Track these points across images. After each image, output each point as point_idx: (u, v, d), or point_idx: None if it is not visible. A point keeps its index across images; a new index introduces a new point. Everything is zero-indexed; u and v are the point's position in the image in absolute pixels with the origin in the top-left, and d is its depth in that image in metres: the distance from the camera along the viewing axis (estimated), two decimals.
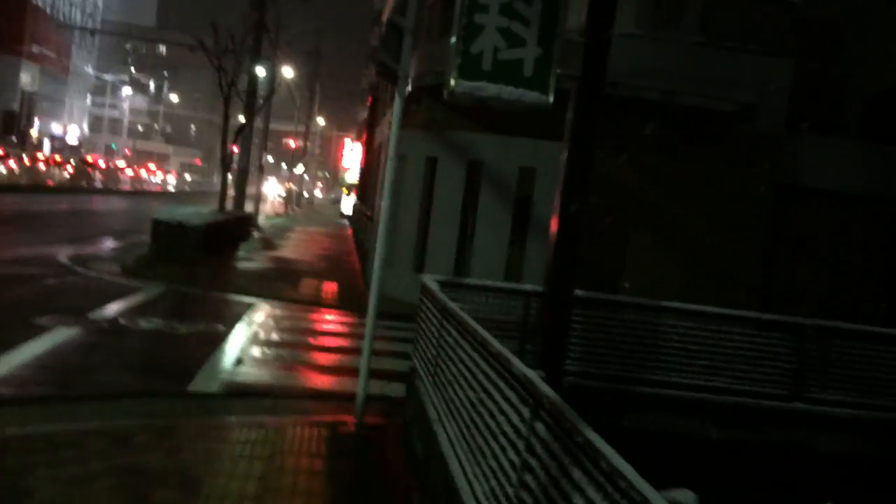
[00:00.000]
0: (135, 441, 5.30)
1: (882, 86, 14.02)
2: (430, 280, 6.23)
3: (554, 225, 6.09)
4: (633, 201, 13.05)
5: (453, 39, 5.68)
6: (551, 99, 5.81)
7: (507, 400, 3.35)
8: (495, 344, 3.68)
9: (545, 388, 2.87)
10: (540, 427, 2.85)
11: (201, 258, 16.19)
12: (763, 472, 6.43)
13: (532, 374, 3.07)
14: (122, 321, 9.48)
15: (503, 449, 3.27)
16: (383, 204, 6.34)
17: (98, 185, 44.90)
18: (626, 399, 6.50)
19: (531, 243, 12.65)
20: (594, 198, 6.65)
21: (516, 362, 3.30)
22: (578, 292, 6.31)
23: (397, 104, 6.24)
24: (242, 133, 24.21)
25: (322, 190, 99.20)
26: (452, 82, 5.60)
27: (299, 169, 62.32)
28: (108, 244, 18.83)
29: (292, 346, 9.51)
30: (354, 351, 9.15)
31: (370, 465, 5.42)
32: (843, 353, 6.85)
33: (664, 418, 6.38)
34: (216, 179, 26.15)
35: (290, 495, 4.69)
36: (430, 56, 14.24)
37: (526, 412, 3.06)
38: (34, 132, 60.45)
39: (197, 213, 21.00)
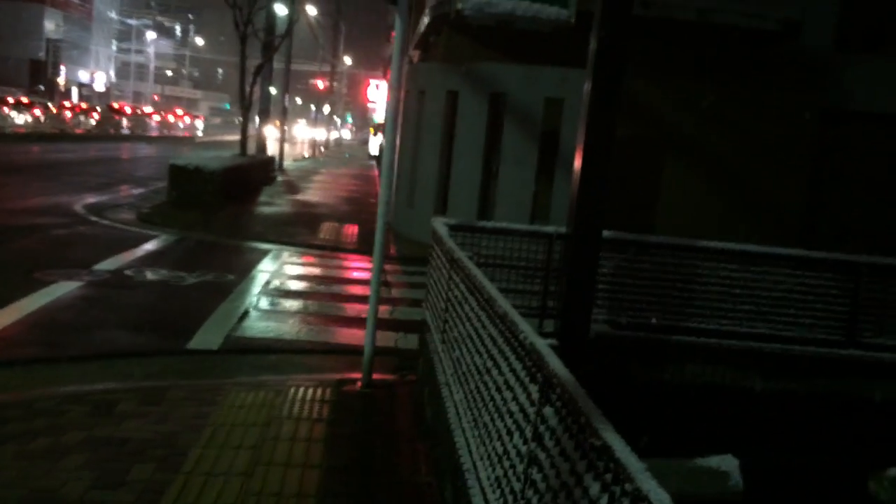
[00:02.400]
0: (117, 408, 4.84)
1: None
2: (440, 223, 5.62)
3: (578, 160, 5.41)
4: (667, 131, 12.21)
5: None
6: (572, 14, 5.07)
7: (514, 372, 2.77)
8: (502, 302, 3.09)
9: (556, 366, 2.27)
10: (549, 413, 2.27)
11: (220, 204, 15.77)
12: (813, 425, 5.83)
13: (542, 345, 2.47)
14: (127, 273, 9.06)
15: (510, 432, 2.70)
16: (385, 139, 5.70)
17: (125, 131, 44.66)
18: (660, 349, 5.90)
19: (559, 181, 11.92)
20: (623, 129, 5.93)
21: (525, 328, 2.71)
22: (606, 233, 5.67)
23: (399, 27, 5.54)
24: (260, 73, 23.48)
25: (352, 131, 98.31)
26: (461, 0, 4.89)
27: (326, 110, 61.56)
28: (128, 191, 18.48)
29: (306, 295, 9.02)
30: (367, 299, 8.63)
31: (376, 431, 4.92)
32: None
33: (703, 369, 5.78)
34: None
35: (284, 469, 4.21)
36: None
37: (534, 391, 2.48)
38: (61, 80, 60.20)
39: (217, 157, 20.55)
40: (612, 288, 5.92)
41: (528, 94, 12.43)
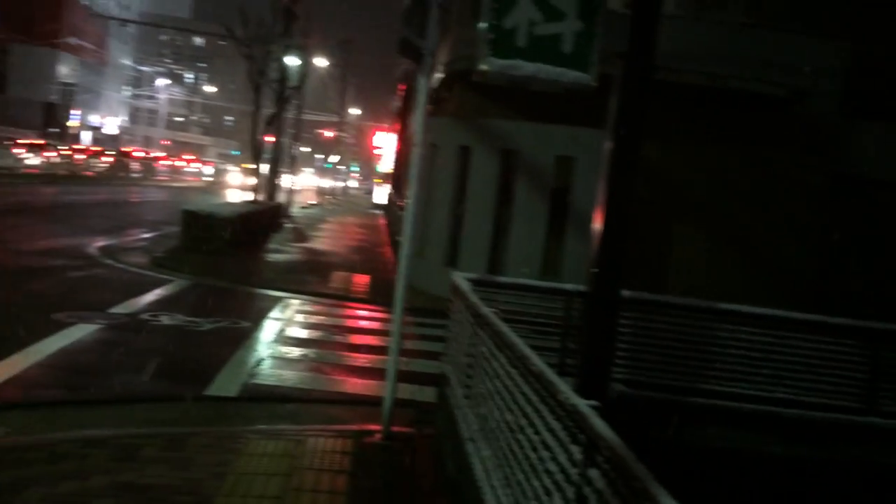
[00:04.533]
0: (141, 453, 4.87)
1: None
2: (461, 279, 5.70)
3: (598, 219, 5.51)
4: (680, 193, 12.37)
5: (483, 16, 5.12)
6: (594, 77, 5.23)
7: (552, 432, 2.82)
8: (537, 361, 3.15)
9: (601, 427, 2.34)
10: (595, 475, 2.32)
11: (231, 249, 15.91)
12: (832, 491, 5.82)
13: (584, 406, 2.54)
14: (143, 317, 9.13)
15: (548, 492, 2.74)
16: (409, 195, 5.83)
17: (135, 175, 45.12)
18: (679, 410, 5.93)
19: (570, 237, 12.05)
20: (638, 190, 6.07)
21: (564, 388, 2.77)
22: (625, 293, 5.74)
23: (422, 84, 5.71)
24: (274, 122, 23.90)
25: (358, 180, 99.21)
26: (484, 61, 5.05)
27: (333, 159, 62.21)
28: (139, 235, 18.63)
29: (320, 344, 9.06)
30: (385, 350, 8.66)
31: (398, 485, 4.93)
32: None
33: (722, 432, 5.80)
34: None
35: None
36: (461, 40, 13.65)
37: (576, 452, 2.53)
38: (73, 123, 61.05)
39: (228, 204, 20.75)
40: (631, 348, 5.98)
41: (540, 151, 12.65)
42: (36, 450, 4.85)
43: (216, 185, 52.45)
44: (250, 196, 23.55)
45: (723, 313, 5.97)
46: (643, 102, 5.32)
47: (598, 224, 5.51)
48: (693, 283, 11.11)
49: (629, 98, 5.22)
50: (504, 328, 3.78)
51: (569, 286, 6.20)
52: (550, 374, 2.97)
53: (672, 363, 5.97)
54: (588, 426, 2.43)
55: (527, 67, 5.02)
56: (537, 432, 3.01)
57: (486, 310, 4.41)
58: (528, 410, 3.18)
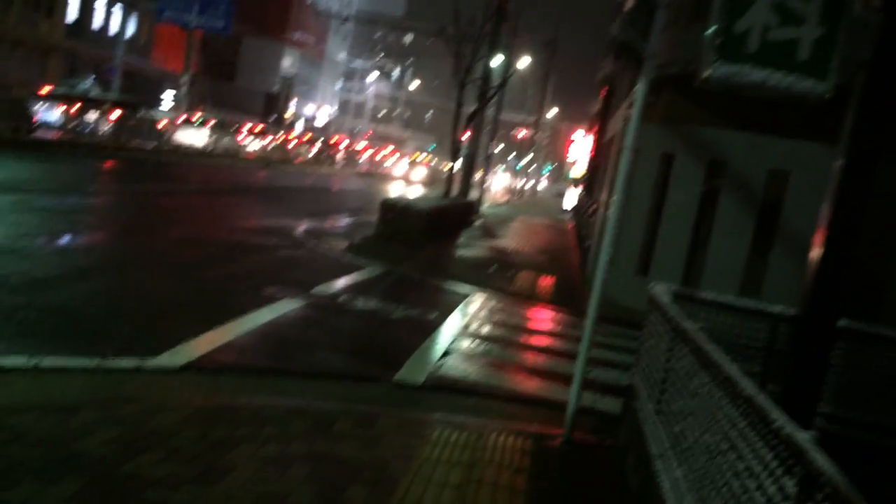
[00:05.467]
0: (335, 427, 5.14)
1: None
2: (661, 291, 5.50)
3: (818, 241, 5.11)
4: None
5: (714, 18, 4.89)
6: (830, 88, 4.85)
7: (761, 459, 2.65)
8: (747, 384, 2.97)
9: (824, 463, 2.15)
10: None
11: (423, 241, 16.42)
12: None
13: (802, 438, 2.35)
14: (341, 299, 9.66)
15: None
16: (615, 201, 5.71)
17: (339, 164, 47.87)
18: (888, 454, 5.37)
19: (777, 256, 11.30)
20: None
21: (778, 415, 2.59)
22: (841, 322, 5.29)
23: (641, 89, 5.57)
24: (474, 120, 24.37)
25: (548, 180, 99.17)
26: (709, 66, 4.83)
27: (526, 158, 62.53)
28: (339, 221, 19.75)
29: (503, 342, 9.14)
30: (566, 354, 8.61)
31: (577, 492, 4.86)
32: None
33: None
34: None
35: None
36: (674, 43, 13.17)
37: (789, 486, 2.35)
38: (289, 112, 65.82)
39: (424, 197, 21.45)
40: (842, 381, 5.49)
41: (750, 163, 11.94)
42: (245, 411, 5.26)
43: (409, 178, 54.40)
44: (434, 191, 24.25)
45: None
46: (884, 118, 4.86)
47: (818, 246, 5.11)
48: None
49: (869, 112, 4.79)
50: (709, 346, 3.60)
51: (777, 308, 5.80)
52: (763, 400, 2.79)
53: (890, 403, 5.42)
54: (807, 459, 2.25)
55: (755, 74, 4.75)
56: (741, 458, 2.84)
57: (688, 324, 4.22)
58: (732, 434, 3.01)
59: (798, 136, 10.80)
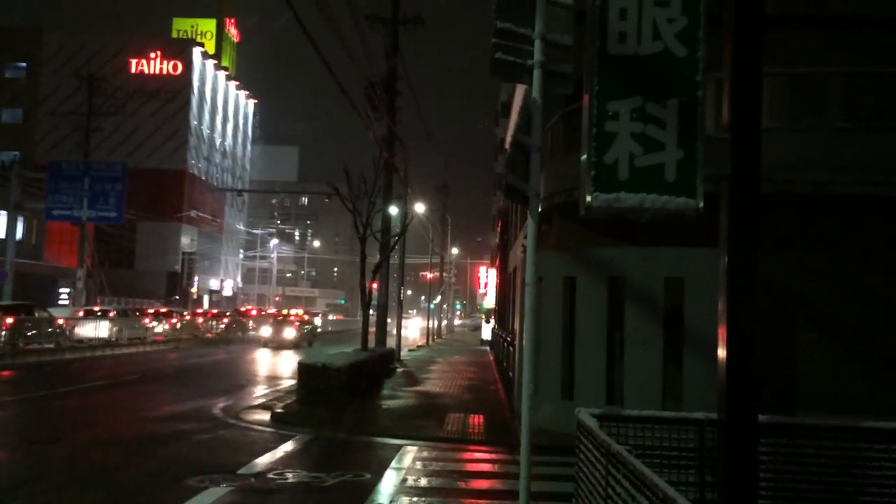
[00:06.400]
0: None
1: None
2: (586, 415, 5.57)
3: (721, 339, 5.34)
4: (800, 304, 11.85)
5: (584, 152, 5.27)
6: (699, 202, 5.23)
7: None
8: (683, 502, 2.99)
9: None
10: None
11: (347, 399, 16.10)
12: None
13: None
14: (270, 476, 9.25)
15: None
16: (526, 333, 5.82)
17: (252, 333, 46.91)
18: None
19: (688, 360, 11.63)
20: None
21: None
22: (762, 417, 5.45)
23: (530, 225, 5.85)
24: (379, 270, 24.66)
25: (460, 317, 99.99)
26: (588, 196, 5.14)
27: (436, 300, 63.17)
28: (259, 391, 19.19)
29: (443, 492, 8.89)
30: (508, 494, 8.43)
31: None
32: None
33: None
34: (359, 316, 26.97)
35: None
36: (556, 175, 13.98)
37: None
38: (193, 289, 64.92)
39: (341, 353, 21.21)
40: (774, 477, 5.59)
41: (647, 275, 12.48)
42: None
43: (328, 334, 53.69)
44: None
45: (871, 432, 5.54)
46: (752, 219, 5.26)
47: (722, 344, 5.33)
48: (823, 394, 10.42)
49: (738, 216, 5.18)
50: (643, 468, 3.63)
51: (699, 414, 5.94)
52: None
53: (822, 491, 5.53)
54: None
55: (631, 198, 5.08)
56: None
57: (619, 447, 4.26)
58: None
59: (685, 243, 11.42)
